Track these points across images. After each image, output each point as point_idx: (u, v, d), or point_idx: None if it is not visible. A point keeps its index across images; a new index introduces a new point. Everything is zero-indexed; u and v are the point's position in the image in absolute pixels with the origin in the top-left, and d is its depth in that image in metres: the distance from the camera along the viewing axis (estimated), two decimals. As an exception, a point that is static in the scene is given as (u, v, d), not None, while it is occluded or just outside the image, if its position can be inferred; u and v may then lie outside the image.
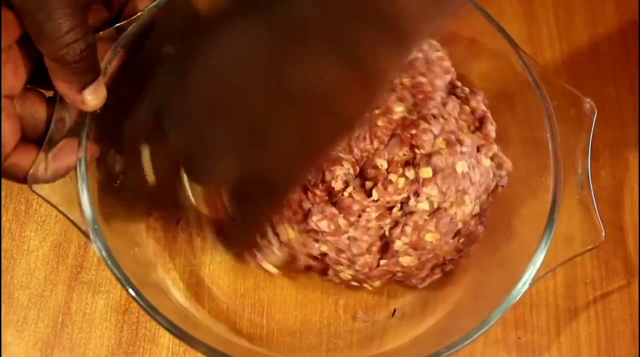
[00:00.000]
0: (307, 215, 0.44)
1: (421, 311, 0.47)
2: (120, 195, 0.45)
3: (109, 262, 0.39)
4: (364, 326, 0.48)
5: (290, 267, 0.47)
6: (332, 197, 0.45)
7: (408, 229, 0.44)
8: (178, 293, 0.46)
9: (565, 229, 0.42)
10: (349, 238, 0.44)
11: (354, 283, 0.46)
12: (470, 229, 0.46)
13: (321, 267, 0.46)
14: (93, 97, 0.38)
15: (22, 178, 0.39)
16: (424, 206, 0.44)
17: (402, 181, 0.45)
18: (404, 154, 0.45)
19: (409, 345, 0.44)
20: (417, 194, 0.44)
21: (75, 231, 0.43)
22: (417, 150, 0.45)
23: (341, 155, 0.45)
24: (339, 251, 0.44)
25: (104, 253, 0.39)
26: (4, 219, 0.50)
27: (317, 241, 0.44)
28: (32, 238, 0.50)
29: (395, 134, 0.46)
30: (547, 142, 0.44)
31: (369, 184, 0.45)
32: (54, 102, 0.40)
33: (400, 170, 0.45)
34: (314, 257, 0.45)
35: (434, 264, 0.46)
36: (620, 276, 0.52)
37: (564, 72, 0.58)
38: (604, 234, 0.42)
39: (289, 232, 0.44)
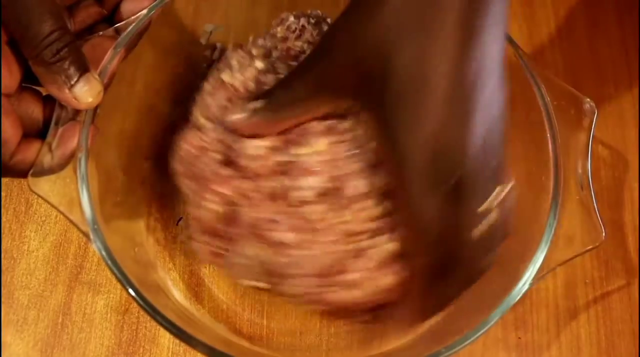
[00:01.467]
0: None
1: (421, 311, 0.47)
2: (120, 195, 0.45)
3: (109, 262, 0.39)
4: (364, 325, 0.48)
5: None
6: (297, 208, 0.41)
7: (369, 263, 0.40)
8: (178, 293, 0.46)
9: (565, 229, 0.42)
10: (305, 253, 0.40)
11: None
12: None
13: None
14: (85, 94, 0.39)
15: (27, 173, 0.39)
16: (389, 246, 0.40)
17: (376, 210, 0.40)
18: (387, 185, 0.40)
19: (409, 345, 0.44)
20: (393, 230, 0.40)
21: (75, 231, 0.43)
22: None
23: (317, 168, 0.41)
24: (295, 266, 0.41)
25: (104, 253, 0.39)
26: (4, 219, 0.50)
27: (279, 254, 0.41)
28: (32, 238, 0.50)
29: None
30: (547, 142, 0.44)
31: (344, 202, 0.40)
32: (51, 100, 0.40)
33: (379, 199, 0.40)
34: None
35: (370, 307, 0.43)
36: (620, 276, 0.52)
37: (564, 72, 0.58)
38: (604, 234, 0.42)
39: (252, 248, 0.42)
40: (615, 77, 0.59)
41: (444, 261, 0.38)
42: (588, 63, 0.59)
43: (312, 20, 0.46)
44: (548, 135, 0.44)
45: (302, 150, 0.41)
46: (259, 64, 0.45)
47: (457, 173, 0.35)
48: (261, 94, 0.40)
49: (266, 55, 0.46)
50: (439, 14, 0.34)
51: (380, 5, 0.34)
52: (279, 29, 0.47)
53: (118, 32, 0.43)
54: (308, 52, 0.45)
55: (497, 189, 0.37)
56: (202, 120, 0.44)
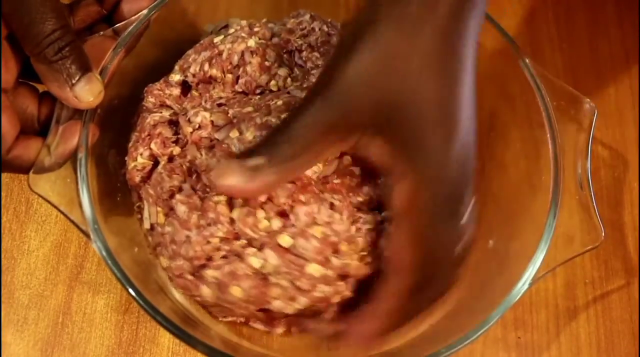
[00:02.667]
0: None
1: (421, 310, 0.47)
2: (120, 195, 0.45)
3: (109, 262, 0.39)
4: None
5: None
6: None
7: (227, 267, 0.40)
8: (178, 293, 0.46)
9: (565, 229, 0.42)
10: (187, 237, 0.41)
11: None
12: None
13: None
14: (86, 93, 0.39)
15: (27, 170, 0.39)
16: (254, 262, 0.39)
17: (265, 223, 0.39)
18: (284, 203, 0.39)
19: (409, 345, 0.44)
20: (261, 247, 0.39)
21: (75, 231, 0.43)
22: (294, 218, 0.39)
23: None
24: (172, 242, 0.41)
25: (104, 253, 0.39)
26: (4, 219, 0.50)
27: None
28: (33, 238, 0.50)
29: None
30: (547, 142, 0.44)
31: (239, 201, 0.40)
32: (46, 97, 0.40)
33: (272, 214, 0.39)
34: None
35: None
36: (620, 276, 0.52)
37: (564, 72, 0.58)
38: (603, 234, 0.42)
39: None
40: (615, 77, 0.59)
41: (427, 278, 0.39)
42: (588, 63, 0.59)
43: (325, 28, 0.47)
44: (548, 135, 0.44)
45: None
46: (251, 42, 0.45)
47: (464, 198, 0.37)
48: (258, 148, 0.35)
49: (264, 37, 0.46)
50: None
51: (394, 54, 0.35)
52: (291, 20, 0.47)
53: (117, 32, 0.43)
54: (304, 53, 0.45)
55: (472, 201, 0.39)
56: (177, 75, 0.46)
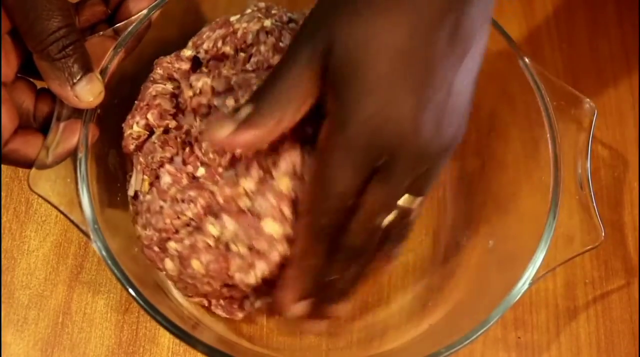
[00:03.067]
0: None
1: (421, 310, 0.47)
2: (120, 195, 0.45)
3: (109, 262, 0.39)
4: (364, 325, 0.48)
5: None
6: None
7: (187, 240, 0.40)
8: (178, 293, 0.46)
9: (565, 229, 0.42)
10: (160, 208, 0.41)
11: None
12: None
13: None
14: (87, 93, 0.39)
15: (27, 164, 0.39)
16: (212, 230, 0.40)
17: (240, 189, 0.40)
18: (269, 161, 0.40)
19: (409, 345, 0.44)
20: (218, 213, 0.40)
21: (75, 231, 0.43)
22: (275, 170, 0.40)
23: None
24: (147, 210, 0.42)
25: (104, 253, 0.39)
26: (4, 219, 0.50)
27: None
28: (33, 238, 0.50)
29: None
30: (547, 142, 0.44)
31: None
32: (43, 94, 0.40)
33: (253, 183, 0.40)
34: None
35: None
36: (620, 276, 0.52)
37: (564, 72, 0.58)
38: (603, 234, 0.42)
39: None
40: (615, 77, 0.59)
41: (328, 228, 0.37)
42: (588, 63, 0.59)
43: None
44: (548, 135, 0.44)
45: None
46: (267, 23, 0.45)
47: (390, 152, 0.35)
48: (246, 102, 0.37)
49: (280, 20, 0.46)
50: None
51: None
52: (306, 10, 0.47)
53: (117, 32, 0.43)
54: None
55: (419, 199, 0.38)
56: (189, 51, 0.45)
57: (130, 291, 0.38)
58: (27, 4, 0.37)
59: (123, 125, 0.44)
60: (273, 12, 0.46)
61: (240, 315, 0.45)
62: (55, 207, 0.39)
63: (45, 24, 0.37)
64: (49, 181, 0.39)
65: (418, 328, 0.46)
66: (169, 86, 0.44)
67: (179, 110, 0.43)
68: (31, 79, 0.41)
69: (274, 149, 0.39)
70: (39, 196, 0.39)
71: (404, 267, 0.50)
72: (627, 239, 0.53)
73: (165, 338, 0.48)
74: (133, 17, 0.43)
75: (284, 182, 0.39)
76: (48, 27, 0.37)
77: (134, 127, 0.43)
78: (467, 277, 0.47)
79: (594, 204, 0.42)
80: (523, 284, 0.41)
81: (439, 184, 0.52)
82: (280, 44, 0.44)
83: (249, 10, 0.46)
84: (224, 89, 0.42)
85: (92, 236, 0.39)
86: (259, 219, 0.39)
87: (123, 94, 0.44)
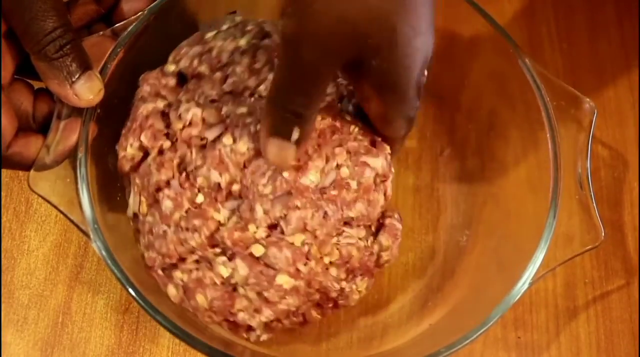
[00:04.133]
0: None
1: (421, 310, 0.48)
2: (120, 195, 0.45)
3: (109, 262, 0.39)
4: (363, 325, 0.48)
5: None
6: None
7: (195, 273, 0.41)
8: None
9: (564, 229, 0.42)
10: (164, 232, 0.41)
11: None
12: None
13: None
14: (86, 91, 0.39)
15: (28, 167, 0.39)
16: (223, 271, 0.40)
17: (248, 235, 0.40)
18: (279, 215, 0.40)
19: (409, 345, 0.44)
20: (232, 256, 0.40)
21: (75, 231, 0.43)
22: (284, 224, 0.40)
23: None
24: (149, 232, 0.42)
25: (103, 253, 0.39)
26: (4, 219, 0.50)
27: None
28: (32, 238, 0.50)
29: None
30: (547, 142, 0.44)
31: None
32: (41, 94, 0.40)
33: (263, 227, 0.40)
34: None
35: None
36: (620, 275, 0.52)
37: (564, 72, 0.58)
38: (603, 234, 0.42)
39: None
40: (615, 77, 0.59)
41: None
42: (588, 63, 0.59)
43: None
44: (548, 135, 0.44)
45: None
46: (242, 42, 0.45)
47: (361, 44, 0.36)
48: (289, 119, 0.37)
49: (256, 37, 0.45)
50: None
51: None
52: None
53: (116, 33, 0.43)
54: None
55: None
56: (172, 66, 0.45)
57: (130, 291, 0.38)
58: (22, 5, 0.37)
59: (116, 146, 0.44)
60: (248, 28, 0.46)
61: (245, 336, 0.44)
62: (55, 207, 0.39)
63: (41, 24, 0.37)
64: (49, 181, 0.40)
65: (418, 328, 0.46)
66: (160, 104, 0.44)
67: (170, 129, 0.43)
68: (28, 80, 0.41)
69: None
70: (39, 195, 0.39)
71: (404, 267, 0.50)
72: (627, 239, 0.53)
73: (165, 338, 0.48)
74: (132, 17, 0.43)
75: (298, 238, 0.40)
76: (44, 27, 0.37)
77: (128, 149, 0.43)
78: (467, 277, 0.47)
79: (594, 204, 0.42)
80: (523, 284, 0.41)
81: (439, 185, 0.52)
82: (256, 65, 0.44)
83: (224, 27, 0.46)
84: (216, 121, 0.42)
85: (92, 236, 0.39)
86: (274, 272, 0.39)
87: (123, 94, 0.44)
